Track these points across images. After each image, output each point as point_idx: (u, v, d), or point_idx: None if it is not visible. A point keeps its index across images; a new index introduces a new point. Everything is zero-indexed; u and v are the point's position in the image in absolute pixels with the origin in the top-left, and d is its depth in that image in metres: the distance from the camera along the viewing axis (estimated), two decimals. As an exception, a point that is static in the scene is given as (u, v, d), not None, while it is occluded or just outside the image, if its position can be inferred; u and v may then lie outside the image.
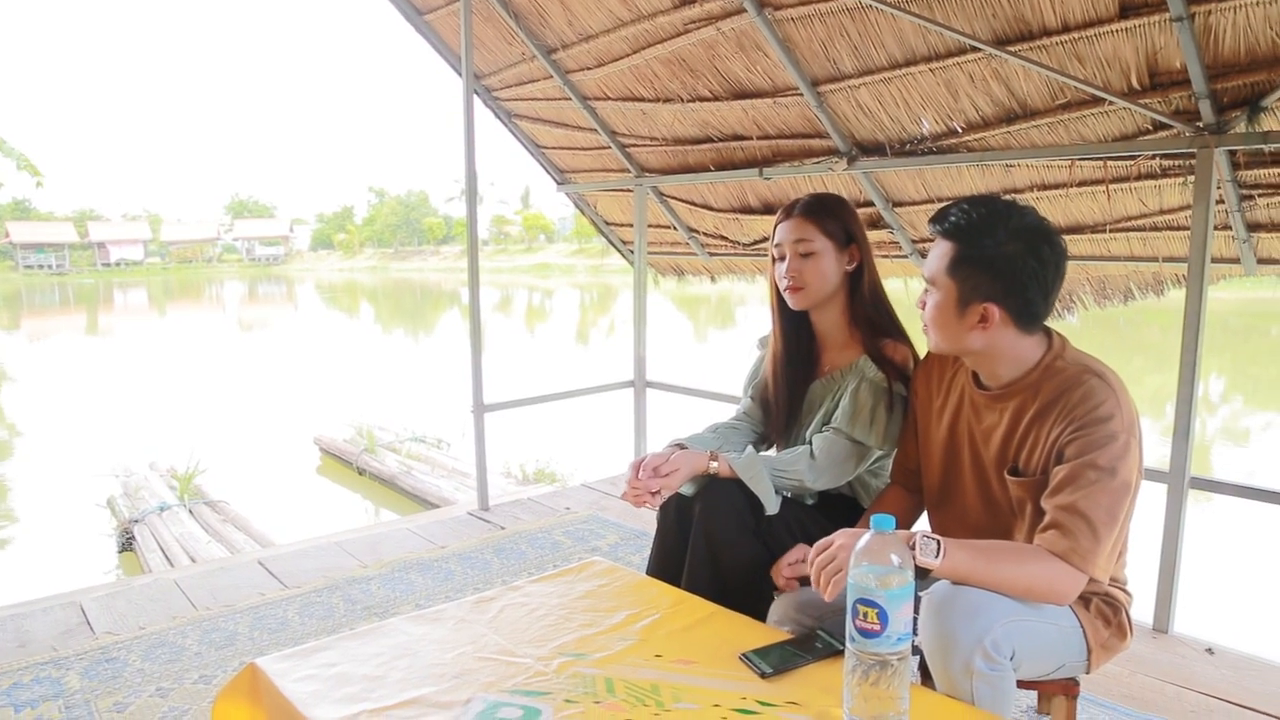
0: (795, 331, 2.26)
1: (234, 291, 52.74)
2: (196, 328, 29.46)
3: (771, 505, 2.04)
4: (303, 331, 27.58)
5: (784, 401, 2.25)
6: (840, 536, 1.58)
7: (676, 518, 2.12)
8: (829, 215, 2.18)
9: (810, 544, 1.98)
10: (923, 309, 1.78)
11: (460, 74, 4.11)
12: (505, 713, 1.42)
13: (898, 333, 2.21)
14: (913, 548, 1.51)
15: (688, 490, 2.10)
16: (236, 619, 3.04)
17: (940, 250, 1.71)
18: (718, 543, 2.01)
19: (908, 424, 2.02)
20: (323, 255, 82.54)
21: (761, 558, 2.01)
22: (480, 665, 1.59)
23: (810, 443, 2.14)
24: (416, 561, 3.58)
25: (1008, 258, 1.63)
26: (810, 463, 2.10)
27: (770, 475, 2.06)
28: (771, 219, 2.27)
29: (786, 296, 2.20)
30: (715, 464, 2.07)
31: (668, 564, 2.12)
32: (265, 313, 37.52)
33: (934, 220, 1.73)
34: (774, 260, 2.23)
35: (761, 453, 2.13)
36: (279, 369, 17.31)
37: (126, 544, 6.45)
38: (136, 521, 6.52)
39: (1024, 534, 1.70)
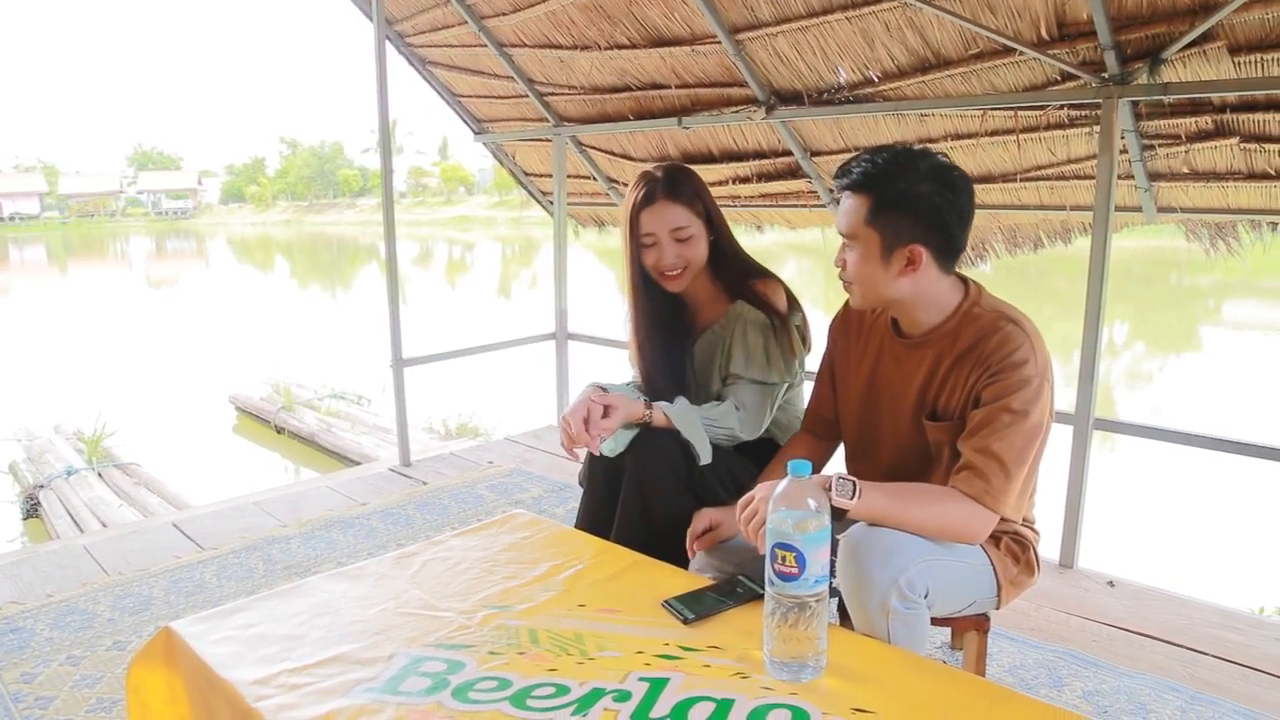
0: (662, 305, 2.22)
1: (140, 247, 50.82)
2: (101, 285, 28.34)
3: (706, 454, 2.03)
4: (215, 288, 26.75)
5: (666, 372, 2.22)
6: (760, 490, 1.60)
7: (604, 472, 2.11)
8: (691, 192, 2.14)
9: (739, 492, 2.01)
10: (842, 267, 1.77)
11: (371, 19, 3.98)
12: (429, 667, 1.42)
13: (761, 272, 2.22)
14: (829, 489, 1.54)
15: (610, 449, 2.05)
16: (151, 583, 2.96)
17: (853, 204, 1.70)
18: (650, 495, 2.01)
19: (824, 372, 2.04)
20: (234, 209, 79.99)
21: (693, 509, 2.01)
22: (403, 621, 1.58)
23: (729, 397, 2.14)
24: (337, 519, 3.53)
25: (924, 197, 1.65)
26: (739, 415, 2.11)
27: (704, 426, 2.06)
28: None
29: (666, 284, 2.16)
30: (650, 413, 2.04)
31: (597, 518, 2.11)
32: (175, 269, 36.28)
33: (839, 175, 1.73)
34: (642, 246, 2.15)
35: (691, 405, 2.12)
36: (191, 327, 16.75)
37: (31, 510, 6.21)
38: (42, 487, 6.28)
39: (940, 477, 1.74)
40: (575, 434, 1.96)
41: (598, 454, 2.02)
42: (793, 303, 2.20)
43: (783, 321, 2.14)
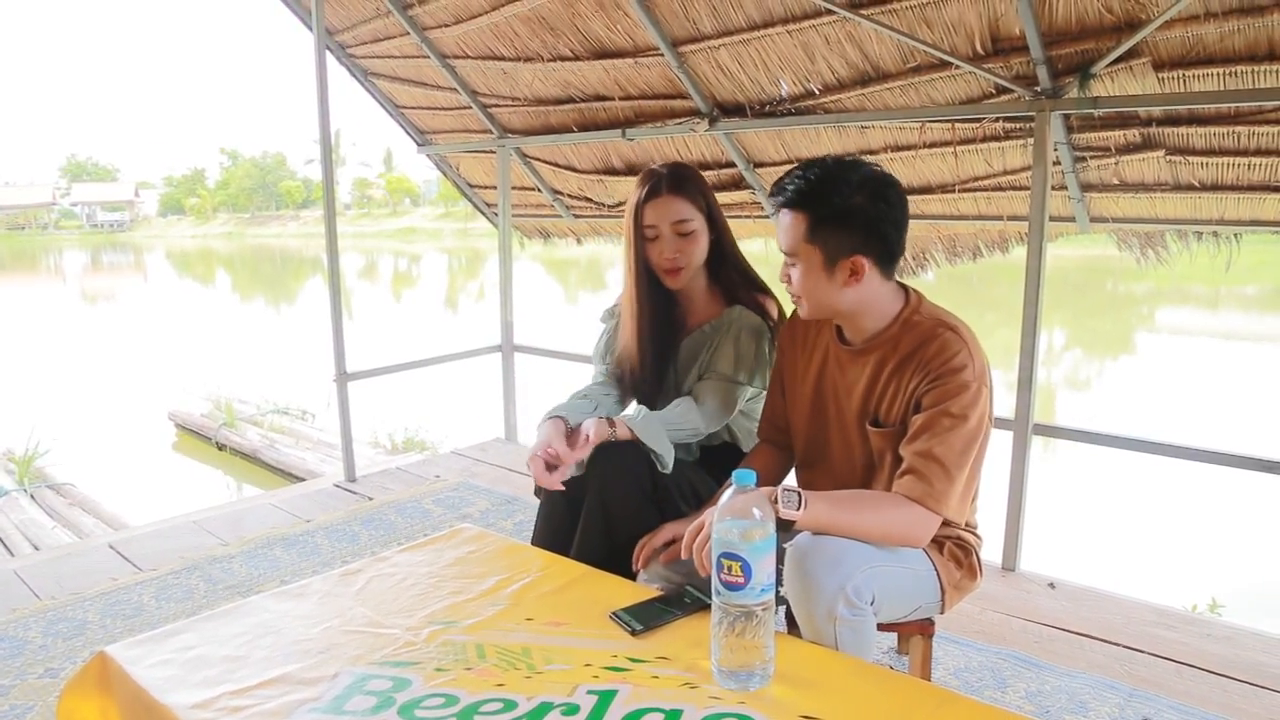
0: (659, 300, 2.23)
1: (75, 261, 49.66)
2: (33, 300, 27.59)
3: (669, 463, 2.03)
4: (153, 302, 26.18)
5: (652, 368, 2.23)
6: (709, 516, 1.61)
7: (563, 488, 2.08)
8: (695, 189, 2.17)
9: (700, 504, 2.02)
10: (788, 283, 1.80)
11: (311, 29, 3.93)
12: (374, 685, 1.40)
13: (760, 284, 2.26)
14: (775, 502, 1.55)
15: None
16: (86, 607, 2.88)
17: (790, 220, 1.73)
18: (614, 510, 1.99)
19: (774, 382, 2.06)
20: (173, 221, 78.55)
21: (656, 524, 2.00)
22: (347, 639, 1.56)
23: (692, 393, 2.16)
24: (281, 537, 3.47)
25: (859, 209, 1.68)
26: (700, 410, 2.11)
27: (667, 433, 2.05)
28: (634, 180, 2.24)
29: (665, 278, 2.18)
30: (616, 430, 2.03)
31: (555, 535, 2.09)
32: (111, 283, 35.47)
33: (774, 193, 1.76)
34: (645, 239, 2.17)
35: (651, 412, 2.11)
36: (128, 342, 16.36)
37: (-42, 535, 6.01)
38: (-31, 509, 6.08)
39: (884, 483, 1.77)
40: (544, 475, 1.99)
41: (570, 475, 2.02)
42: (783, 315, 2.23)
43: (774, 331, 2.18)
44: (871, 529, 1.66)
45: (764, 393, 2.26)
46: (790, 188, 1.72)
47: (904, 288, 1.83)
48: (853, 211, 1.69)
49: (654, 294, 2.22)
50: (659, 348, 2.24)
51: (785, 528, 1.56)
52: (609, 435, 2.03)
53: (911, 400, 1.73)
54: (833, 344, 1.89)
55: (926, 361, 1.71)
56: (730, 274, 2.25)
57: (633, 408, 2.12)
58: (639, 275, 2.20)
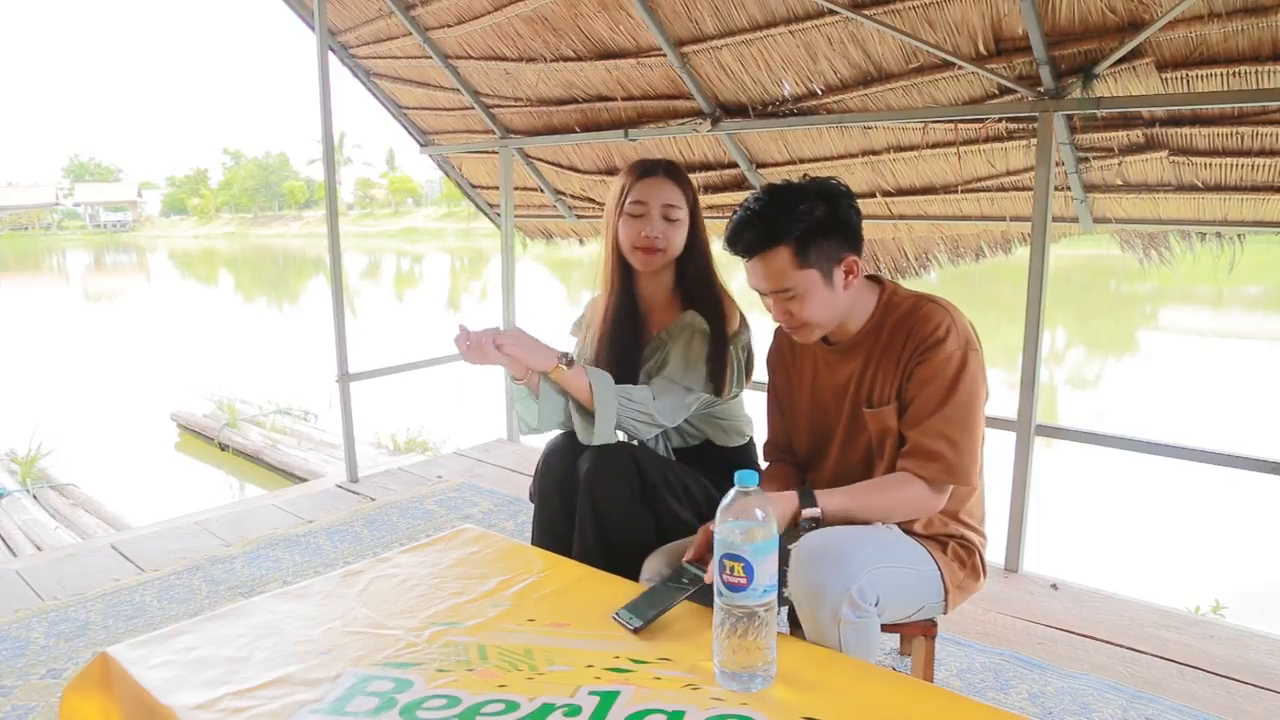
0: (626, 297, 2.22)
1: (78, 261, 49.80)
2: (36, 300, 27.62)
3: (605, 435, 2.01)
4: (156, 302, 26.20)
5: (615, 373, 2.17)
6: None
7: (558, 487, 2.09)
8: (686, 183, 2.18)
9: (692, 503, 2.03)
10: (788, 317, 1.79)
11: (314, 29, 3.94)
12: (376, 686, 1.40)
13: (721, 288, 2.24)
14: (797, 525, 1.63)
15: (531, 420, 2.07)
16: (88, 607, 2.88)
17: (770, 261, 1.72)
18: (605, 513, 1.99)
19: (771, 403, 2.07)
20: (175, 221, 78.74)
21: (650, 524, 2.00)
22: (349, 640, 1.56)
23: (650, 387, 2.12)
24: (283, 538, 3.47)
25: (827, 215, 1.71)
26: (654, 403, 2.08)
27: (619, 403, 2.03)
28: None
29: (638, 256, 2.14)
30: (563, 366, 2.00)
31: (553, 532, 2.09)
32: (114, 283, 35.52)
33: (734, 247, 1.76)
34: (626, 216, 2.14)
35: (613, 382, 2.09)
36: (131, 343, 16.38)
37: (-39, 534, 6.01)
38: (-29, 510, 6.09)
39: (886, 464, 1.81)
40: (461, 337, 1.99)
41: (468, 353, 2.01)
42: (743, 323, 2.21)
43: (731, 337, 2.15)
44: (887, 512, 1.74)
45: (737, 399, 2.27)
46: (751, 233, 1.72)
47: (877, 279, 1.88)
48: (824, 221, 1.71)
49: (625, 286, 2.22)
50: (624, 348, 2.22)
51: (792, 535, 1.60)
52: (549, 368, 2.01)
53: (903, 373, 1.77)
54: (819, 350, 1.92)
55: (911, 334, 1.75)
56: (695, 277, 2.21)
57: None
58: (615, 266, 2.20)
